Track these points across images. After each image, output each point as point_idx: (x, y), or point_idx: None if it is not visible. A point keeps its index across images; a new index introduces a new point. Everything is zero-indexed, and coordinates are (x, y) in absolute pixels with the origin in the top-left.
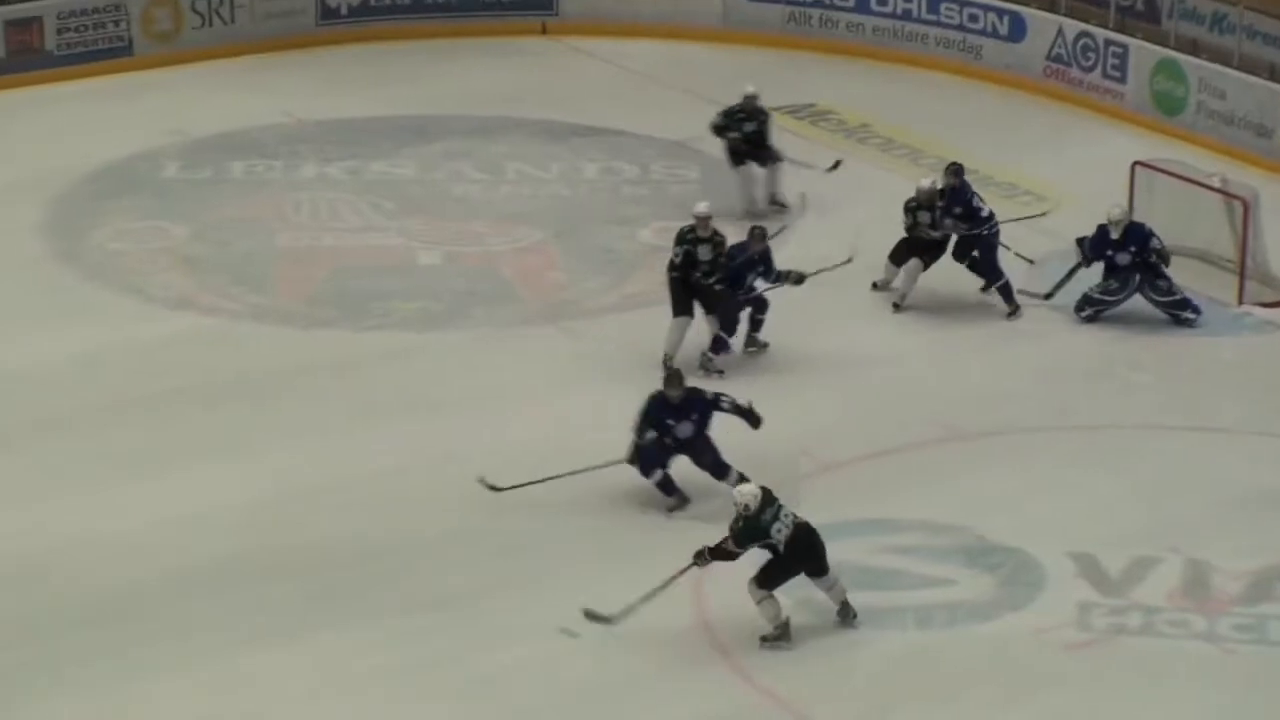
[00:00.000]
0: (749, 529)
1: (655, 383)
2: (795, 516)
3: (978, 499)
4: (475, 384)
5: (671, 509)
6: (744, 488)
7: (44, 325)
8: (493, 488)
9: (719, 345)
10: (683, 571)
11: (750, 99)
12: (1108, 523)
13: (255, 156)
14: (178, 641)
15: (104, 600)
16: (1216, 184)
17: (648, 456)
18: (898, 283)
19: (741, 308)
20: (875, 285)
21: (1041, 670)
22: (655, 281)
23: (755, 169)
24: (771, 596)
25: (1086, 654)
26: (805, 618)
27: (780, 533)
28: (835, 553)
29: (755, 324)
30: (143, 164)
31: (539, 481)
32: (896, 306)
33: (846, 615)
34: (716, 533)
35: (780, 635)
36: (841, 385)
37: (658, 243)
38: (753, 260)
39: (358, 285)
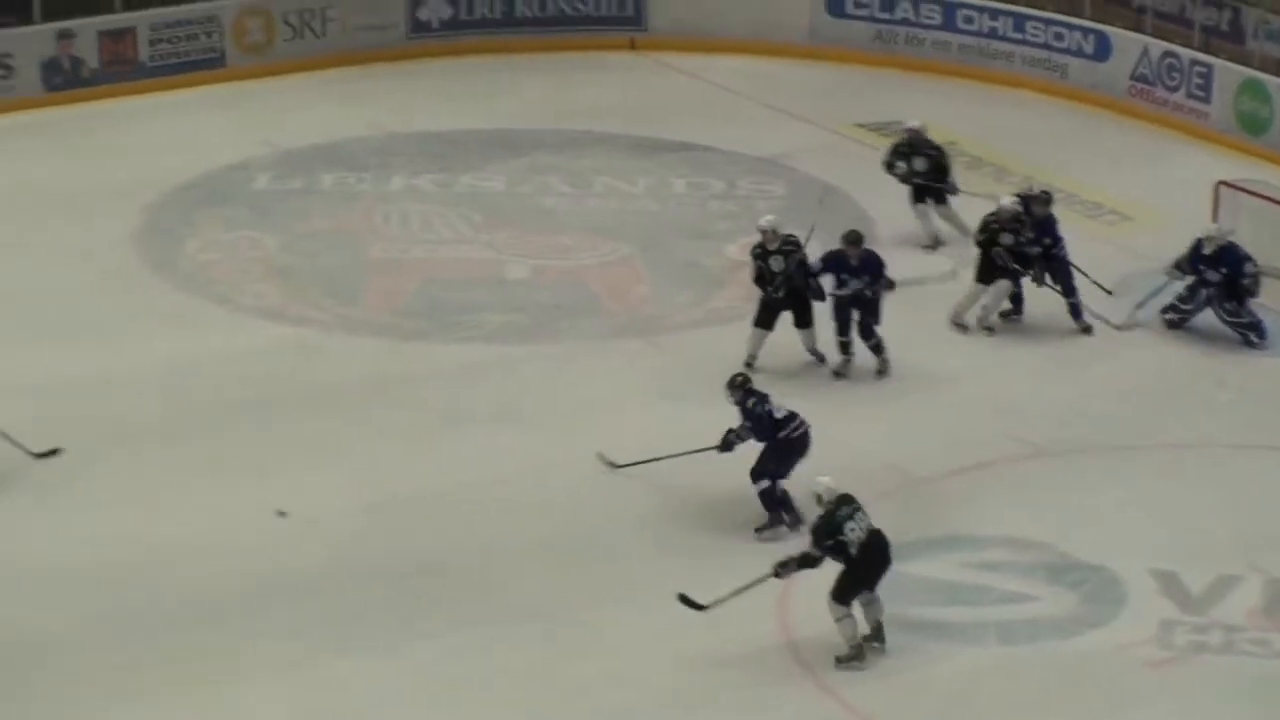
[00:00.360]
0: (825, 525)
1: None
2: (870, 523)
3: (1061, 515)
4: (563, 396)
5: (762, 530)
6: (822, 479)
7: (138, 334)
8: (611, 464)
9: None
10: (762, 580)
11: (914, 133)
12: (1190, 540)
13: (345, 168)
14: (272, 645)
15: (201, 604)
16: None
17: (763, 470)
18: (986, 300)
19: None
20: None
21: (1123, 687)
22: (741, 296)
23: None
24: (850, 615)
25: (1167, 671)
26: (895, 633)
27: (853, 533)
28: (919, 568)
29: (864, 330)
30: (234, 175)
31: (655, 460)
32: (990, 330)
33: (879, 637)
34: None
35: (855, 655)
36: (928, 401)
37: (744, 258)
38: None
39: (447, 297)
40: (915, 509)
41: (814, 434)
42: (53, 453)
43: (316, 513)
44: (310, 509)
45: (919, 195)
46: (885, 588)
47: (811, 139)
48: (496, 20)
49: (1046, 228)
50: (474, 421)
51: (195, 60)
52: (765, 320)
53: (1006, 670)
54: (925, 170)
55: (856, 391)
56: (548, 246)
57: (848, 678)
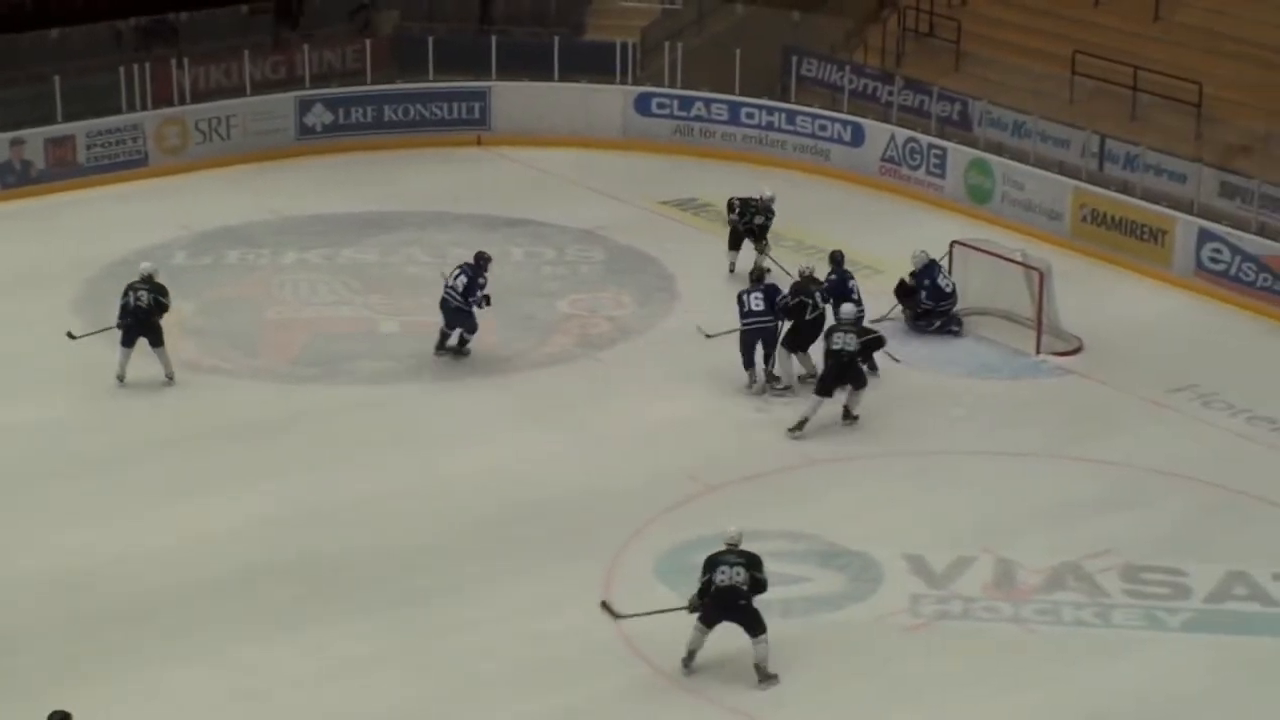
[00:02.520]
0: (707, 561)
1: (569, 422)
2: (740, 580)
3: (828, 512)
4: (430, 427)
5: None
6: (731, 528)
7: (79, 383)
8: (707, 335)
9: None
10: (675, 609)
11: (766, 200)
12: (933, 530)
13: (247, 246)
14: (200, 635)
15: (141, 603)
16: (1018, 258)
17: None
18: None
19: None
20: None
21: (883, 649)
22: (571, 342)
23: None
24: (697, 632)
25: (918, 635)
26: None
27: (721, 577)
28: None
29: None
30: (157, 253)
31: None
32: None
33: (761, 675)
34: None
35: (687, 660)
36: (724, 421)
37: (572, 311)
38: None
39: (332, 349)
40: (709, 509)
41: (622, 453)
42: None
43: (235, 525)
44: (230, 522)
45: (736, 241)
46: (691, 574)
47: (625, 214)
48: (369, 124)
49: (840, 285)
50: (358, 448)
51: (124, 160)
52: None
53: (789, 639)
54: (760, 226)
55: (670, 412)
56: (414, 306)
57: (660, 647)
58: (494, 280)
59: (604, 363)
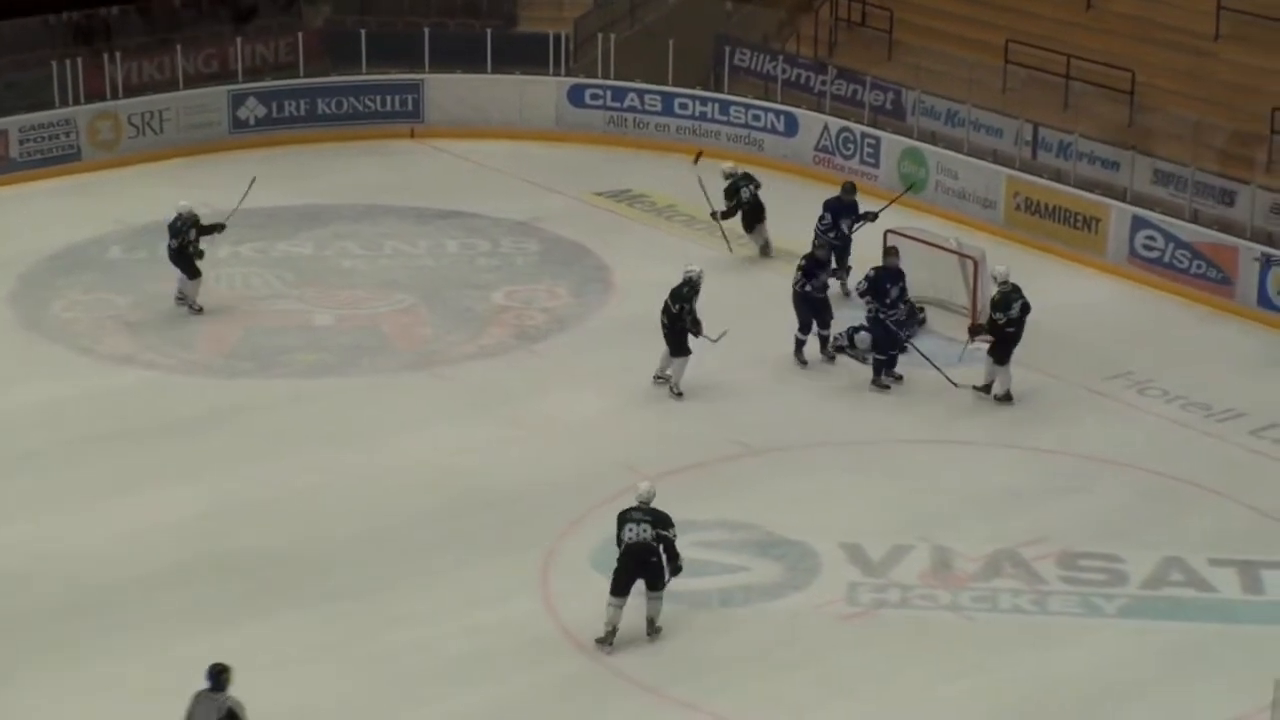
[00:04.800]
0: (618, 518)
1: (504, 414)
2: (646, 537)
3: (766, 502)
4: (364, 419)
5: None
6: (643, 483)
7: (13, 379)
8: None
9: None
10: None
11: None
12: (870, 519)
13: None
14: (137, 630)
15: (77, 599)
16: (952, 246)
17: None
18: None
19: None
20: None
21: (821, 637)
22: (506, 334)
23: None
24: (612, 605)
25: (856, 623)
26: (636, 600)
27: (628, 534)
28: None
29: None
30: (92, 248)
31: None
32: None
33: (650, 629)
34: None
35: (606, 639)
36: (661, 412)
37: (507, 303)
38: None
39: (266, 342)
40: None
41: (558, 444)
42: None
43: (170, 519)
44: (165, 516)
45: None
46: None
47: (559, 205)
48: (302, 117)
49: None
50: (294, 442)
51: (57, 155)
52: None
53: (728, 627)
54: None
55: (608, 406)
56: (347, 299)
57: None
58: (428, 273)
59: (539, 355)
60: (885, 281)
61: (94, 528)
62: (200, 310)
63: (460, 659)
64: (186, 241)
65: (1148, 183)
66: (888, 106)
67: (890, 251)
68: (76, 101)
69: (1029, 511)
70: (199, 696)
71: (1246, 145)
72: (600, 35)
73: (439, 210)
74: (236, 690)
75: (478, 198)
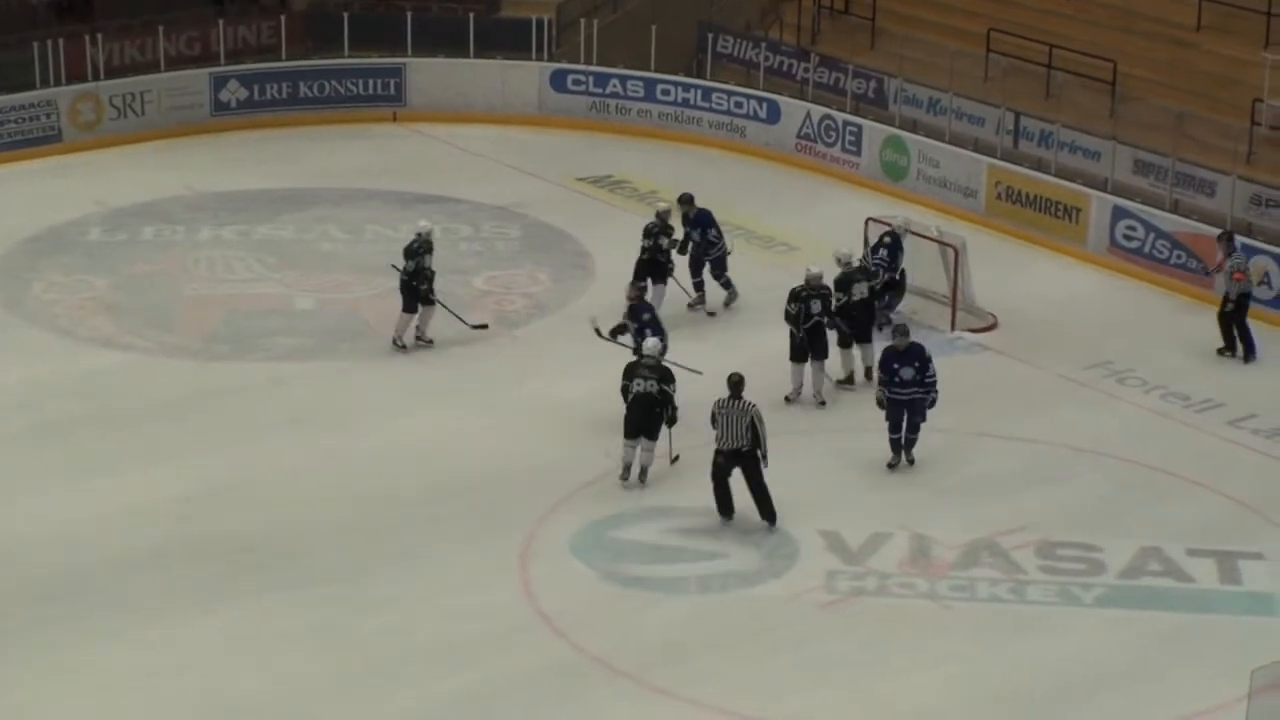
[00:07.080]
0: (626, 368)
1: (483, 400)
2: (653, 390)
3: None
4: (345, 402)
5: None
6: (651, 339)
7: None
8: (597, 331)
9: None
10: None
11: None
12: (849, 507)
13: (163, 222)
14: (115, 612)
15: (56, 580)
16: (933, 234)
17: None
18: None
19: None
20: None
21: (799, 624)
22: (486, 319)
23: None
24: (628, 445)
25: (834, 611)
26: (614, 587)
27: (638, 386)
28: (631, 534)
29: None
30: (71, 229)
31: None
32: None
33: (641, 476)
34: None
35: (624, 474)
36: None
37: (488, 289)
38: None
39: (247, 325)
40: (623, 488)
41: (538, 430)
42: (483, 326)
43: (148, 501)
44: (143, 498)
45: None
46: (607, 550)
47: (541, 191)
48: (284, 100)
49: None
50: (274, 424)
51: (37, 137)
52: (799, 355)
53: (706, 614)
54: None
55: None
56: (328, 283)
57: (576, 623)
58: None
59: (520, 340)
60: (894, 361)
61: (72, 510)
62: (431, 343)
63: (438, 644)
64: (422, 269)
65: (1129, 173)
66: (870, 94)
67: (899, 330)
68: (58, 82)
69: (1008, 501)
70: (721, 403)
71: (1227, 136)
72: (583, 20)
73: (420, 194)
74: (205, 677)
75: (459, 182)
